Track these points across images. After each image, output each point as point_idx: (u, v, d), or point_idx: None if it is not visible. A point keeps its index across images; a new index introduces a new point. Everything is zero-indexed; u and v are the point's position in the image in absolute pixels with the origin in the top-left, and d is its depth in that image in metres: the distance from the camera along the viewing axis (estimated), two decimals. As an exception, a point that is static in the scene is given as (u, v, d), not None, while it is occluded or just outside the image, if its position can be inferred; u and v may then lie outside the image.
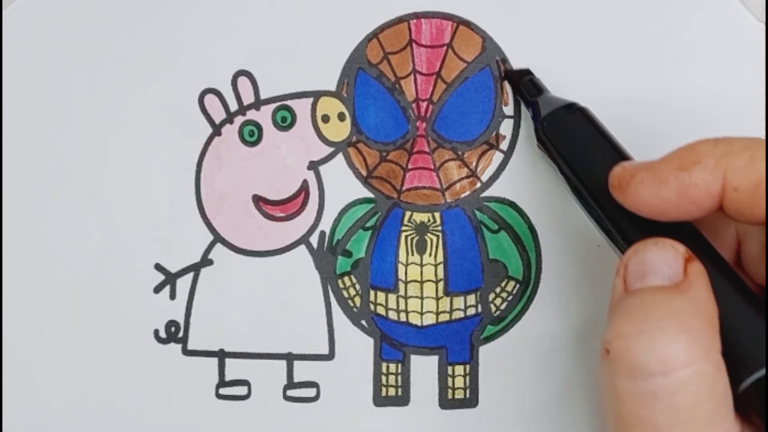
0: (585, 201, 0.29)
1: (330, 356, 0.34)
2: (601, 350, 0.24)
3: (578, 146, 0.30)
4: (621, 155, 0.29)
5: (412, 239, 0.34)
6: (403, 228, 0.34)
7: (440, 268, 0.34)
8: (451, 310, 0.34)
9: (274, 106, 0.34)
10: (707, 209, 0.25)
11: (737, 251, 0.28)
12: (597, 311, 0.33)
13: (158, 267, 0.35)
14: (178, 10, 0.34)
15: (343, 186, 0.34)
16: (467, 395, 0.34)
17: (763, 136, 0.32)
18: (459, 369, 0.34)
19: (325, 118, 0.34)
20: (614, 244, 0.28)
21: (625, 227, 0.27)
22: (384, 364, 0.34)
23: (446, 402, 0.34)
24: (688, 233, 0.26)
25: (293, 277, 0.34)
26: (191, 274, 0.35)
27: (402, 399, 0.34)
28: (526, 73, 0.33)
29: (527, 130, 0.33)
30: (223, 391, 0.34)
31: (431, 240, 0.34)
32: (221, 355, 0.34)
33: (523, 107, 0.33)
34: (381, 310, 0.34)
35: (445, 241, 0.34)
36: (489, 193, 0.34)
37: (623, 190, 0.26)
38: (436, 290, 0.34)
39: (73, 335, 0.35)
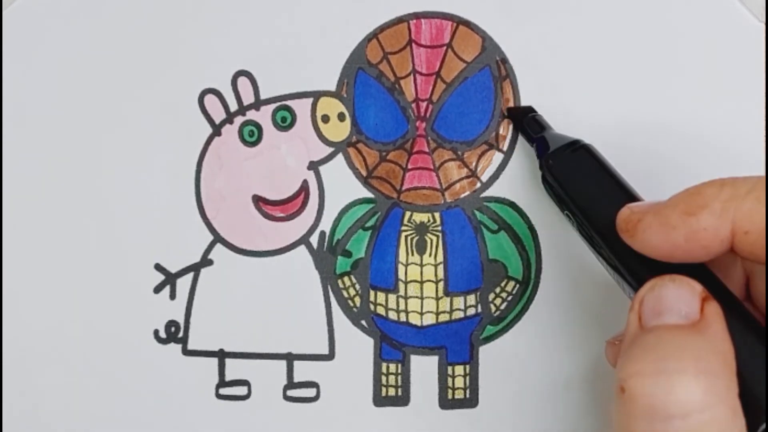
0: (593, 240, 0.29)
1: (330, 356, 0.34)
2: (616, 388, 0.23)
3: (584, 185, 0.29)
4: (628, 194, 0.28)
5: (412, 239, 0.34)
6: (403, 228, 0.34)
7: (440, 268, 0.34)
8: (451, 310, 0.34)
9: (274, 106, 0.34)
10: (717, 252, 0.25)
11: (746, 286, 0.28)
12: (597, 311, 0.33)
13: (158, 267, 0.35)
14: (178, 10, 0.34)
15: (343, 186, 0.34)
16: (467, 395, 0.34)
17: (763, 136, 0.32)
18: (459, 369, 0.34)
19: (325, 118, 0.34)
20: (624, 282, 0.28)
21: (635, 267, 0.27)
22: (384, 364, 0.34)
23: (446, 402, 0.34)
24: (699, 271, 0.25)
25: (293, 277, 0.34)
26: (191, 274, 0.35)
27: (402, 399, 0.34)
28: (529, 110, 0.33)
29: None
30: (223, 391, 0.34)
31: (431, 240, 0.34)
32: (221, 355, 0.34)
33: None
34: (381, 310, 0.34)
35: (445, 241, 0.34)
36: (489, 193, 0.34)
37: (631, 234, 0.26)
38: (436, 290, 0.34)
39: (73, 335, 0.35)
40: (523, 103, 0.33)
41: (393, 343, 0.34)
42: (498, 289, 0.34)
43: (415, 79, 0.33)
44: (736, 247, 0.24)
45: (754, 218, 0.24)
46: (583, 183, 0.29)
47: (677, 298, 0.24)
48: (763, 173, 0.32)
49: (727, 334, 0.24)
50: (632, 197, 0.28)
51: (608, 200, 0.28)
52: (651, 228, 0.25)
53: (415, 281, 0.34)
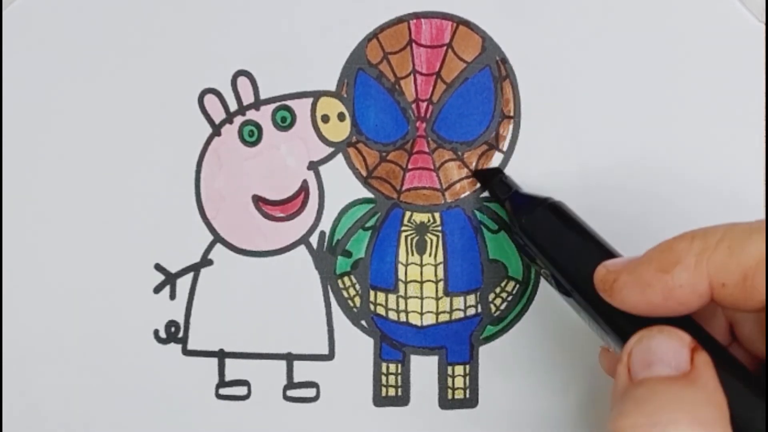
0: (573, 297, 0.29)
1: (330, 356, 0.34)
2: None
3: (558, 244, 0.29)
4: (602, 248, 0.28)
5: (412, 239, 0.34)
6: (403, 228, 0.34)
7: (440, 268, 0.34)
8: (451, 310, 0.34)
9: (273, 106, 0.34)
10: (698, 306, 0.25)
11: (730, 331, 0.28)
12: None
13: (158, 267, 0.35)
14: (178, 10, 0.34)
15: (343, 186, 0.34)
16: (467, 395, 0.34)
17: (763, 136, 0.32)
18: (459, 369, 0.34)
19: (325, 118, 0.34)
20: (608, 336, 0.27)
21: (618, 322, 0.27)
22: (384, 364, 0.34)
23: (446, 402, 0.34)
24: (683, 321, 0.25)
25: (293, 277, 0.34)
26: (191, 274, 0.35)
27: (402, 399, 0.34)
28: (497, 172, 0.33)
29: (527, 129, 0.33)
30: (223, 391, 0.34)
31: (431, 240, 0.34)
32: (221, 355, 0.34)
33: (523, 108, 0.33)
34: (381, 310, 0.34)
35: (445, 241, 0.34)
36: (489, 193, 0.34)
37: (609, 294, 0.26)
38: (436, 290, 0.34)
39: (73, 335, 0.35)
40: (523, 103, 0.33)
41: (393, 343, 0.34)
42: (498, 289, 0.34)
43: (415, 80, 0.33)
44: (716, 299, 0.24)
45: (728, 269, 0.23)
46: (557, 241, 0.29)
47: (666, 349, 0.24)
48: (763, 173, 0.33)
49: (718, 383, 0.23)
50: (607, 252, 0.28)
51: (584, 257, 0.28)
52: (627, 287, 0.25)
53: (415, 281, 0.34)
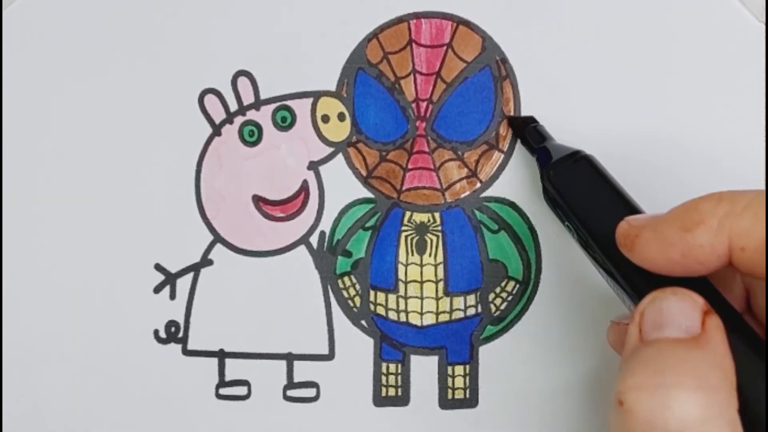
0: (593, 252, 0.29)
1: (330, 356, 0.34)
2: (615, 400, 0.23)
3: (585, 197, 0.29)
4: (628, 206, 0.28)
5: (412, 239, 0.34)
6: (403, 228, 0.34)
7: (440, 268, 0.34)
8: (451, 310, 0.34)
9: (274, 106, 0.34)
10: (715, 267, 0.25)
11: (746, 299, 0.28)
12: (596, 311, 0.33)
13: (158, 267, 0.35)
14: (178, 10, 0.34)
15: (343, 186, 0.34)
16: (467, 395, 0.34)
17: (763, 136, 0.32)
18: (459, 369, 0.34)
19: (325, 118, 0.34)
20: (624, 294, 0.27)
21: (635, 279, 0.27)
22: (384, 364, 0.34)
23: (446, 402, 0.34)
24: (700, 284, 0.25)
25: (293, 277, 0.34)
26: (191, 274, 0.35)
27: (402, 399, 0.34)
28: (531, 120, 0.33)
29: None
30: (223, 391, 0.34)
31: (431, 240, 0.34)
32: (221, 355, 0.34)
33: (523, 108, 0.33)
34: (381, 310, 0.34)
35: (445, 241, 0.34)
36: (489, 193, 0.34)
37: (629, 249, 0.26)
38: (436, 290, 0.34)
39: (73, 335, 0.35)
40: (523, 103, 0.33)
41: (393, 343, 0.34)
42: (498, 289, 0.34)
43: (415, 79, 0.33)
44: (734, 262, 0.24)
45: (751, 234, 0.23)
46: (584, 194, 0.29)
47: (678, 311, 0.24)
48: (763, 174, 0.33)
49: (728, 348, 0.23)
50: (632, 209, 0.28)
51: (608, 212, 0.28)
52: (648, 243, 0.25)
53: (415, 281, 0.34)
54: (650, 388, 0.22)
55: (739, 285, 0.28)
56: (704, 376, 0.22)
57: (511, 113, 0.33)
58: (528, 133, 0.33)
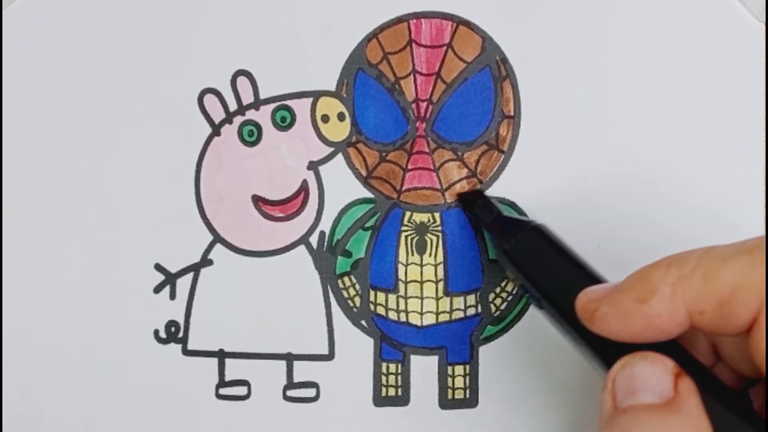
0: (557, 321, 0.29)
1: (330, 356, 0.34)
2: None
3: (541, 267, 0.29)
4: (585, 274, 0.28)
5: (412, 239, 0.34)
6: (403, 228, 0.34)
7: (440, 268, 0.34)
8: (451, 310, 0.34)
9: (273, 106, 0.34)
10: (678, 333, 0.24)
11: (713, 351, 0.28)
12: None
13: (158, 267, 0.35)
14: (177, 10, 0.34)
15: (342, 186, 0.34)
16: (467, 395, 0.34)
17: (763, 137, 0.32)
18: (459, 369, 0.34)
19: (325, 118, 0.34)
20: (593, 361, 0.27)
21: (601, 347, 0.27)
22: (384, 364, 0.34)
23: (446, 402, 0.34)
24: (668, 344, 0.25)
25: (293, 277, 0.34)
26: (191, 274, 0.35)
27: (402, 399, 0.34)
28: (479, 195, 0.33)
29: (527, 129, 0.33)
30: (223, 391, 0.34)
31: (431, 240, 0.34)
32: (221, 355, 0.34)
33: (523, 107, 0.33)
34: (381, 310, 0.34)
35: (445, 241, 0.34)
36: (489, 193, 0.34)
37: (590, 323, 0.26)
38: (436, 290, 0.34)
39: (73, 335, 0.35)
40: (523, 103, 0.33)
41: (393, 343, 0.34)
42: (498, 289, 0.34)
43: (415, 80, 0.33)
44: (695, 325, 0.24)
45: (703, 297, 0.23)
46: (540, 265, 0.29)
47: (650, 375, 0.24)
48: (763, 173, 0.33)
49: (702, 409, 0.23)
50: (590, 276, 0.28)
51: (568, 283, 0.28)
52: (607, 317, 0.25)
53: (415, 281, 0.34)
54: None
55: (703, 339, 0.27)
56: None
57: (511, 113, 0.33)
58: (477, 208, 0.33)
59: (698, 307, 0.24)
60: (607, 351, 0.26)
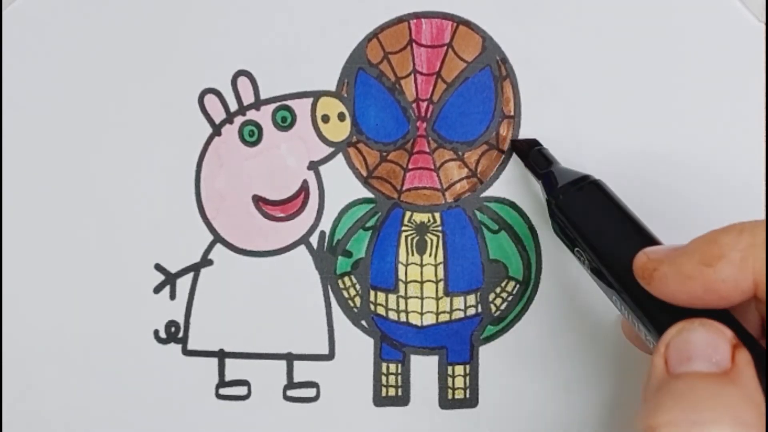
0: (608, 282, 0.28)
1: (330, 356, 0.34)
2: None
3: (596, 225, 0.28)
4: (642, 233, 0.28)
5: (412, 239, 0.34)
6: (404, 228, 0.34)
7: (440, 268, 0.34)
8: (451, 310, 0.34)
9: (274, 106, 0.34)
10: (738, 301, 0.24)
11: (762, 326, 0.27)
12: (597, 311, 0.33)
13: (158, 267, 0.35)
14: (177, 10, 0.34)
15: (343, 186, 0.34)
16: (467, 395, 0.34)
17: (763, 136, 0.32)
18: (459, 369, 0.34)
19: (325, 118, 0.34)
20: (641, 324, 0.27)
21: (654, 311, 0.26)
22: (384, 364, 0.34)
23: (446, 402, 0.34)
24: (722, 315, 0.24)
25: (293, 277, 0.34)
26: (191, 274, 0.35)
27: (402, 399, 0.34)
28: (534, 143, 0.32)
29: (527, 130, 0.33)
30: (223, 391, 0.34)
31: (431, 240, 0.34)
32: (221, 355, 0.34)
33: (523, 107, 0.33)
34: (381, 311, 0.34)
35: (446, 241, 0.34)
36: (489, 193, 0.34)
37: (648, 282, 0.25)
38: (436, 290, 0.34)
39: (73, 335, 0.35)
40: (523, 103, 0.33)
41: (393, 343, 0.34)
42: (498, 289, 0.34)
43: (415, 79, 0.33)
44: (759, 295, 0.23)
45: None
46: (595, 222, 0.28)
47: (707, 344, 0.23)
48: (763, 173, 0.33)
49: (758, 383, 0.23)
50: (647, 236, 0.27)
51: (623, 241, 0.27)
52: (668, 278, 0.24)
53: (416, 281, 0.34)
54: (685, 424, 0.22)
55: (754, 312, 0.27)
56: (740, 412, 0.22)
57: (512, 113, 0.33)
58: (532, 157, 0.32)
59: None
60: (658, 316, 0.26)
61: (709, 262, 0.24)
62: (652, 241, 0.27)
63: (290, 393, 0.34)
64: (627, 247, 0.26)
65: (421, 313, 0.34)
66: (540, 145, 0.32)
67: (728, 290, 0.23)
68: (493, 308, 0.34)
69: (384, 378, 0.34)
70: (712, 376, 0.23)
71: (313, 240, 0.34)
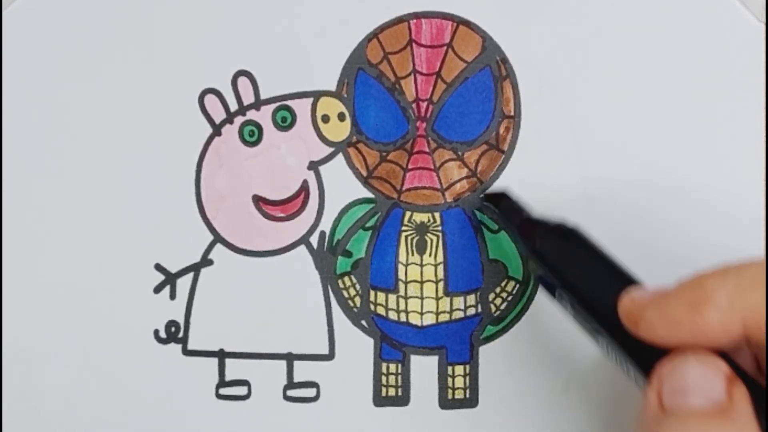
0: (590, 323, 0.27)
1: (330, 356, 0.34)
2: None
3: (577, 270, 0.28)
4: (624, 277, 0.27)
5: (412, 239, 0.34)
6: (403, 228, 0.34)
7: (440, 268, 0.34)
8: (451, 310, 0.34)
9: (274, 106, 0.34)
10: (727, 345, 0.23)
11: (755, 362, 0.26)
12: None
13: (158, 267, 0.35)
14: (177, 9, 0.34)
15: (343, 186, 0.34)
16: (467, 395, 0.34)
17: (763, 137, 0.32)
18: (459, 369, 0.34)
19: (325, 118, 0.34)
20: (629, 365, 0.26)
21: (641, 351, 0.25)
22: (384, 364, 0.34)
23: (446, 402, 0.34)
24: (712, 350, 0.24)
25: (293, 277, 0.34)
26: (191, 274, 0.35)
27: (402, 399, 0.34)
28: (503, 196, 0.32)
29: (527, 129, 0.33)
30: (223, 391, 0.34)
31: (431, 240, 0.34)
32: (221, 355, 0.34)
33: (523, 108, 0.33)
34: (381, 310, 0.34)
35: (445, 241, 0.34)
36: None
37: (635, 326, 0.24)
38: (436, 290, 0.34)
39: (73, 335, 0.35)
40: (523, 103, 0.33)
41: (393, 343, 0.34)
42: (498, 289, 0.34)
43: (415, 79, 0.33)
44: (750, 339, 0.23)
45: (763, 311, 0.22)
46: (576, 268, 0.28)
47: (702, 378, 0.22)
48: (763, 173, 0.33)
49: (755, 420, 0.22)
50: (627, 279, 0.27)
51: (606, 285, 0.27)
52: (654, 323, 0.24)
53: (415, 281, 0.34)
54: None
55: (746, 352, 0.25)
56: None
57: (512, 113, 0.33)
58: (505, 208, 0.32)
59: (757, 321, 0.22)
60: (643, 354, 0.25)
61: (696, 307, 0.23)
62: (632, 283, 0.27)
63: (290, 393, 0.34)
64: (606, 289, 0.26)
65: (421, 313, 0.34)
66: (508, 197, 0.32)
67: (717, 335, 0.23)
68: (493, 308, 0.34)
69: (384, 378, 0.34)
70: (708, 414, 0.22)
71: (313, 240, 0.34)
